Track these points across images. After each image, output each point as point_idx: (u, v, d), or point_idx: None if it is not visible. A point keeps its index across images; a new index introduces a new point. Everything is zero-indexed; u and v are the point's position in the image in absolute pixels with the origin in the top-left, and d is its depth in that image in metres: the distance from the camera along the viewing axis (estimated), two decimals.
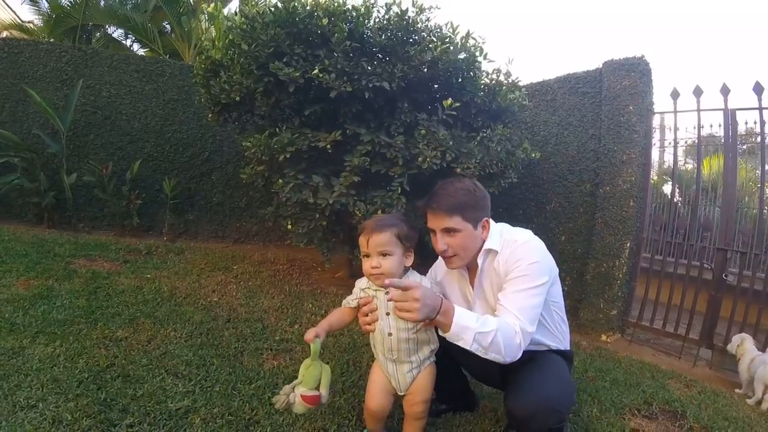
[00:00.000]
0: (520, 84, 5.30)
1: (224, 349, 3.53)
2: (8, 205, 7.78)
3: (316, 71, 4.33)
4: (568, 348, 2.65)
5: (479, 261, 2.43)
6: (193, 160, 8.13)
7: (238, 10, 5.08)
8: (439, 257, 2.72)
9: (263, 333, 3.95)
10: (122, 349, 3.30)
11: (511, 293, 2.25)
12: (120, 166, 7.74)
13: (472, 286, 2.53)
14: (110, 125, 7.98)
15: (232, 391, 2.92)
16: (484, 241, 2.42)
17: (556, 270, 2.44)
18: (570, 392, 2.37)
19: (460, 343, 2.07)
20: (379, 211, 4.39)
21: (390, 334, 2.36)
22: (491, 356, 2.08)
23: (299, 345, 3.73)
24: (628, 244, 5.25)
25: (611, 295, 5.28)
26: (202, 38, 9.49)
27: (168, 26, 12.77)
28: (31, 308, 3.88)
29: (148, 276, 5.26)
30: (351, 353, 3.68)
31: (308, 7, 4.49)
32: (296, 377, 2.17)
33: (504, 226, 2.51)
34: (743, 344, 4.16)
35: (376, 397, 2.44)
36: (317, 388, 2.21)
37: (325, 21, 4.39)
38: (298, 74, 4.35)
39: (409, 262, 2.37)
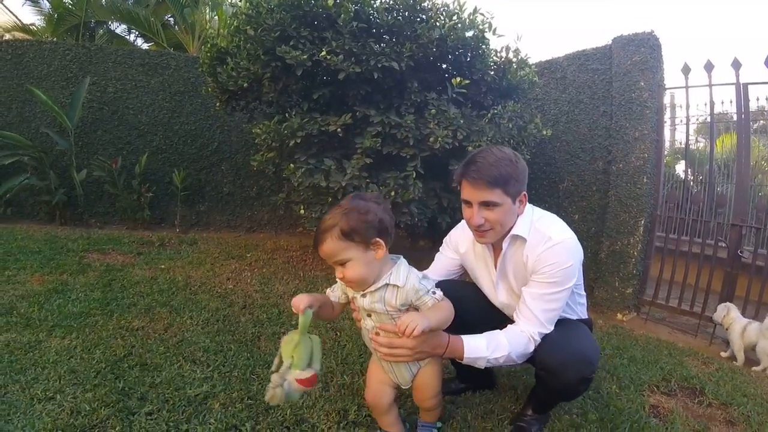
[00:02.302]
0: (530, 61, 5.24)
1: (241, 335, 3.51)
2: (20, 205, 7.81)
3: (323, 53, 4.29)
4: (587, 316, 2.62)
5: (504, 244, 2.33)
6: (202, 151, 8.13)
7: None
8: (459, 225, 2.70)
9: (279, 318, 3.94)
10: (139, 339, 3.30)
11: (537, 296, 2.21)
12: (129, 161, 7.75)
13: (495, 268, 2.47)
14: (118, 120, 7.99)
15: (250, 375, 2.90)
16: (518, 217, 2.29)
17: (582, 255, 2.32)
18: (596, 346, 2.36)
19: (474, 366, 2.16)
20: (392, 193, 4.36)
21: (378, 334, 2.08)
22: (503, 365, 2.23)
23: (315, 328, 3.70)
24: (642, 222, 5.18)
25: (626, 274, 5.23)
26: (207, 28, 9.47)
27: (171, 19, 12.78)
28: (47, 303, 3.89)
29: (162, 267, 5.27)
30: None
31: None
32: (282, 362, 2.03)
33: (535, 211, 2.37)
34: (729, 313, 4.19)
35: (372, 389, 2.34)
36: (310, 365, 1.97)
37: (330, 2, 4.35)
38: (305, 57, 4.32)
39: (380, 254, 1.97)
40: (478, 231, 2.28)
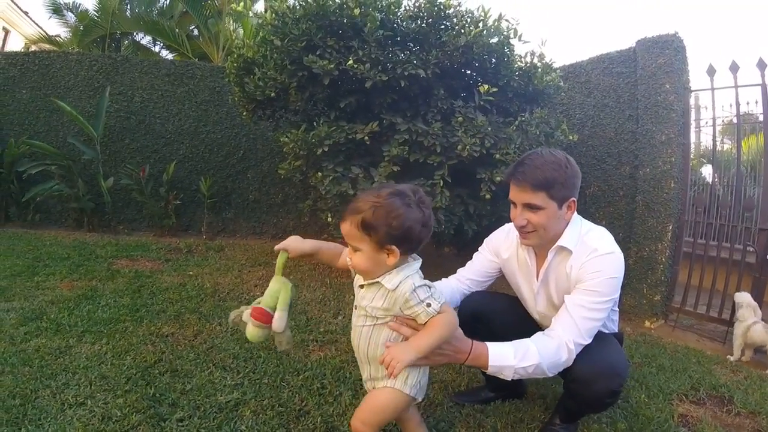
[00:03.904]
0: (554, 66, 5.22)
1: (269, 343, 3.50)
2: (48, 212, 7.99)
3: (350, 62, 4.33)
4: (617, 330, 2.60)
5: (549, 255, 2.33)
6: (228, 159, 8.20)
7: (266, 7, 5.11)
8: (502, 229, 2.69)
9: (307, 325, 3.94)
10: (169, 345, 3.32)
11: (579, 303, 2.17)
12: (157, 169, 7.86)
13: (537, 278, 2.45)
14: (145, 129, 8.13)
15: (280, 382, 2.89)
16: (567, 223, 2.28)
17: (623, 272, 2.28)
18: (626, 360, 2.35)
19: (501, 377, 2.06)
20: None
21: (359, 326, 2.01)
22: (534, 377, 2.12)
23: (344, 336, 3.70)
24: (670, 227, 5.09)
25: (654, 280, 5.14)
26: (233, 38, 9.57)
27: (195, 30, 12.99)
28: (76, 308, 3.92)
29: (191, 273, 5.32)
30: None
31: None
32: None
33: (584, 224, 2.35)
34: (741, 308, 4.12)
35: None
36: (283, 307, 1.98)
37: (357, 11, 4.38)
38: (332, 66, 4.36)
39: (391, 261, 1.83)
40: (521, 232, 2.29)
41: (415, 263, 1.93)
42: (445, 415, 2.64)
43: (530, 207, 2.19)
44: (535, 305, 2.53)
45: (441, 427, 2.52)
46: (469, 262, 2.78)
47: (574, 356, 2.12)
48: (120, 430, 2.29)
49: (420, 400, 2.05)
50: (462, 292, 2.71)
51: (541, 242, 2.30)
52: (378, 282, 1.88)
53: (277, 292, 2.00)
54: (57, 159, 7.60)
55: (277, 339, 2.03)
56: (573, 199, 2.23)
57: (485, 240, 2.75)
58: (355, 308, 2.01)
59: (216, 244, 6.99)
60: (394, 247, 1.81)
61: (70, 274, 4.93)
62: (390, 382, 1.94)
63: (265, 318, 1.97)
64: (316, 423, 2.48)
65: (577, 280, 2.21)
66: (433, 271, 5.55)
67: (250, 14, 10.70)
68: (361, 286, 1.95)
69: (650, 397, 3.01)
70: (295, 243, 2.11)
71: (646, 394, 3.04)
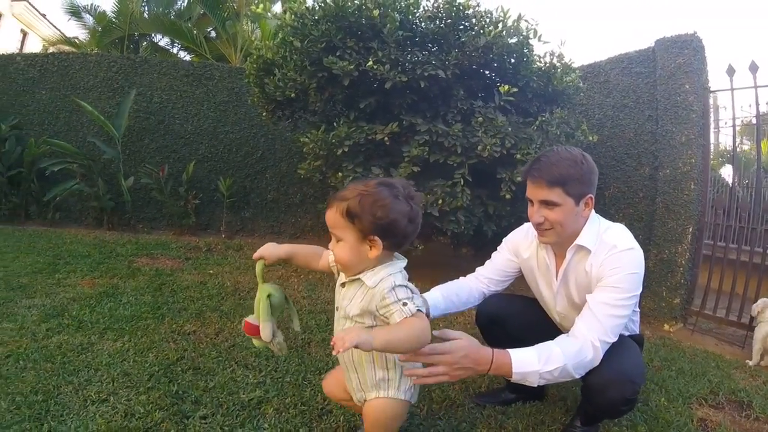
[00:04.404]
0: (573, 66, 5.20)
1: (291, 341, 3.50)
2: (68, 210, 8.11)
3: (370, 63, 4.35)
4: (637, 332, 2.59)
5: (568, 254, 2.33)
6: (246, 159, 8.25)
7: (285, 8, 5.15)
8: (521, 228, 2.69)
9: (328, 324, 3.92)
10: (191, 343, 3.34)
11: (602, 300, 2.15)
12: (176, 168, 7.93)
13: (557, 278, 2.44)
14: (164, 129, 8.23)
15: (302, 381, 2.89)
16: (585, 221, 2.28)
17: (644, 269, 2.28)
18: (642, 366, 2.32)
19: (525, 384, 2.02)
20: (440, 201, 4.36)
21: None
22: (560, 381, 2.08)
23: None
24: (690, 229, 5.03)
25: (674, 283, 5.07)
26: (253, 39, 9.63)
27: (212, 32, 13.13)
28: (98, 306, 3.96)
29: (211, 272, 5.36)
30: None
31: (357, 0, 4.50)
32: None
33: (602, 222, 2.34)
34: (764, 311, 4.03)
35: (327, 381, 2.31)
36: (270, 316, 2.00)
37: (376, 12, 4.40)
38: (352, 67, 4.38)
39: (373, 253, 1.77)
40: (539, 229, 2.29)
41: (399, 262, 1.88)
42: (467, 415, 2.63)
43: (547, 204, 2.19)
44: (555, 305, 2.53)
45: (463, 428, 2.52)
46: (488, 261, 2.78)
47: (601, 355, 2.09)
48: (143, 427, 2.30)
49: (415, 402, 2.02)
50: (481, 291, 2.72)
51: (558, 240, 2.30)
52: (359, 279, 1.82)
53: (259, 302, 2.01)
54: (77, 158, 7.70)
55: (271, 347, 2.04)
56: (590, 195, 2.23)
57: (504, 239, 2.76)
58: (337, 309, 1.97)
59: (235, 243, 7.03)
60: (377, 238, 1.75)
61: (91, 272, 4.98)
62: (382, 393, 1.91)
63: (254, 330, 1.99)
64: (338, 422, 2.48)
65: (597, 278, 2.21)
66: (451, 271, 5.53)
67: (269, 15, 10.77)
68: (343, 285, 1.91)
69: (670, 401, 2.99)
70: (270, 249, 2.11)
71: (666, 398, 3.02)
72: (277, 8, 12.84)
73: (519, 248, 2.63)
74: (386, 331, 1.70)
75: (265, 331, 1.96)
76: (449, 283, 2.69)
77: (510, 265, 2.68)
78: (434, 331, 1.94)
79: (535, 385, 2.02)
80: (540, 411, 2.75)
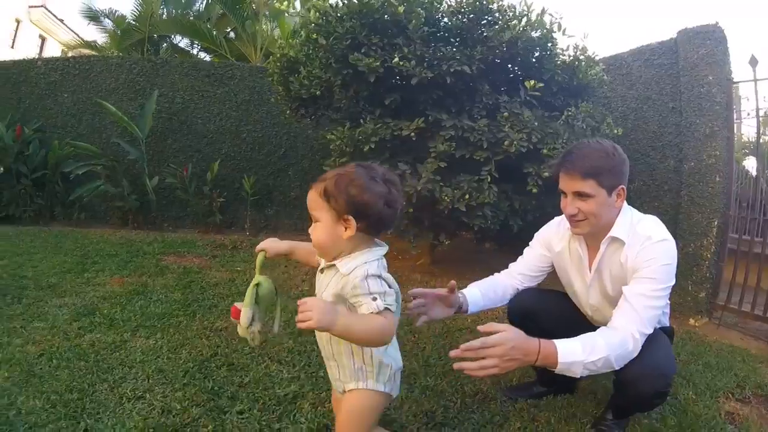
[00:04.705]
0: (597, 59, 5.18)
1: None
2: (93, 210, 8.26)
3: (396, 59, 4.35)
4: (668, 324, 2.61)
5: (602, 246, 2.35)
6: (269, 157, 8.33)
7: (309, 6, 5.17)
8: (552, 222, 2.72)
9: None
10: (223, 339, 3.36)
11: (638, 292, 2.17)
12: (200, 167, 8.03)
13: (590, 270, 2.46)
14: (187, 129, 8.33)
15: None
16: (618, 212, 2.31)
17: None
18: (673, 359, 2.35)
19: (568, 375, 2.03)
20: (467, 196, 4.36)
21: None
22: (601, 372, 2.09)
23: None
24: (716, 222, 4.98)
25: (699, 277, 5.02)
26: (275, 38, 9.68)
27: (231, 32, 13.23)
28: (128, 304, 4.01)
29: (239, 269, 5.40)
30: (445, 338, 3.67)
31: None
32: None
33: (634, 214, 2.37)
34: None
35: None
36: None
37: (401, 9, 4.41)
38: (377, 64, 4.39)
39: (347, 234, 1.75)
40: (572, 221, 2.31)
41: (378, 249, 1.82)
42: (499, 409, 2.64)
43: (580, 195, 2.22)
44: (588, 298, 2.54)
45: (496, 421, 2.53)
46: (520, 257, 2.80)
47: (640, 346, 2.11)
48: (181, 423, 2.33)
49: (395, 396, 1.98)
50: (514, 287, 2.74)
51: (592, 230, 2.31)
52: (334, 265, 1.80)
53: (250, 288, 1.99)
54: (101, 159, 7.83)
55: (245, 334, 1.99)
56: (622, 186, 2.26)
57: (535, 235, 2.78)
58: (316, 296, 1.91)
59: (260, 241, 6.94)
60: (351, 218, 1.72)
61: (120, 271, 5.06)
62: (361, 384, 1.86)
63: (236, 315, 1.98)
64: None
65: (633, 270, 2.22)
66: (475, 266, 5.53)
67: (290, 11, 10.82)
68: (321, 271, 1.90)
69: (697, 394, 2.99)
70: (271, 243, 2.13)
71: (694, 391, 3.02)
72: (297, 6, 12.86)
73: (551, 242, 2.65)
74: (350, 319, 1.66)
75: (244, 316, 1.94)
76: (486, 279, 2.73)
77: (543, 260, 2.70)
78: (480, 327, 1.97)
79: (578, 376, 2.03)
80: (571, 404, 2.75)
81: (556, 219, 2.67)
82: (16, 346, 3.09)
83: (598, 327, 2.25)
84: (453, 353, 1.89)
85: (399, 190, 1.82)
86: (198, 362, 2.96)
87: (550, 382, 2.85)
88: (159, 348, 3.16)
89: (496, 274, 2.77)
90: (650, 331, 2.16)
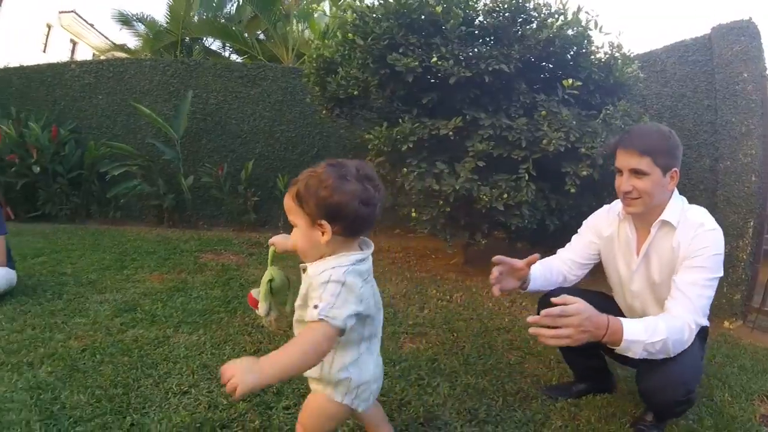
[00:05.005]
0: (632, 56, 5.14)
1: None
2: (128, 209, 8.45)
3: (434, 59, 4.37)
4: (707, 324, 2.56)
5: (652, 229, 2.38)
6: (302, 157, 8.38)
7: (346, 7, 5.21)
8: (602, 210, 2.75)
9: (396, 318, 3.98)
10: (266, 335, 3.38)
11: (692, 282, 2.20)
12: (234, 167, 8.13)
13: (637, 254, 2.48)
14: (221, 130, 8.45)
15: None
16: (670, 195, 2.34)
17: None
18: (697, 367, 2.35)
19: (628, 354, 2.08)
20: (505, 195, 4.37)
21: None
22: (658, 357, 2.11)
23: (432, 329, 3.76)
24: (752, 223, 4.88)
25: (735, 279, 4.90)
26: (307, 39, 9.75)
27: (261, 34, 13.41)
28: (169, 300, 4.06)
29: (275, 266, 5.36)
30: (483, 337, 3.67)
31: None
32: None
33: (685, 201, 2.40)
34: None
35: None
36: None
37: (439, 9, 4.43)
38: (416, 64, 4.41)
39: (325, 239, 1.67)
40: (626, 199, 2.35)
41: (354, 255, 1.72)
42: (541, 408, 2.65)
43: (636, 173, 2.26)
44: (630, 283, 2.56)
45: (538, 419, 2.54)
46: (567, 244, 2.84)
47: (693, 336, 2.17)
48: (228, 418, 2.35)
49: (361, 410, 1.87)
50: (563, 273, 2.76)
51: (645, 209, 2.34)
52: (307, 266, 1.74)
53: (263, 282, 2.05)
54: (137, 159, 7.99)
55: (263, 322, 2.07)
56: (675, 169, 2.30)
57: (584, 222, 2.82)
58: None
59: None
60: (325, 222, 1.64)
61: (159, 268, 5.13)
62: (320, 388, 1.83)
63: (255, 303, 2.04)
64: (418, 412, 2.53)
65: (685, 256, 2.25)
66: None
67: (322, 11, 10.88)
68: (304, 270, 1.78)
69: (733, 397, 2.97)
70: (281, 239, 2.10)
71: (729, 393, 3.00)
72: (326, 7, 12.96)
73: (600, 227, 2.70)
74: (278, 359, 1.51)
75: (261, 308, 2.01)
76: (546, 259, 2.75)
77: (591, 247, 2.74)
78: (554, 298, 2.02)
79: (637, 357, 2.08)
80: (610, 403, 2.75)
81: (605, 206, 2.72)
82: (59, 341, 3.15)
83: None
84: (531, 319, 1.99)
85: (376, 185, 1.72)
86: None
87: (587, 376, 2.88)
88: (202, 344, 3.20)
89: (549, 257, 2.78)
90: (704, 321, 2.21)
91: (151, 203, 8.20)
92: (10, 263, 4.09)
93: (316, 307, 1.56)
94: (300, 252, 1.76)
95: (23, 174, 7.97)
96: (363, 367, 1.80)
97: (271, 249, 2.11)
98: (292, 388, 2.65)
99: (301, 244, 1.73)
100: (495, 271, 2.43)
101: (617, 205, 2.56)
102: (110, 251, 5.78)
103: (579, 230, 2.82)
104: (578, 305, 1.98)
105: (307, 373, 1.79)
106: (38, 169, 7.84)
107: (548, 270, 2.69)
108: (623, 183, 2.30)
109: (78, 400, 2.43)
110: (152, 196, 8.06)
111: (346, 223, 1.65)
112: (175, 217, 8.11)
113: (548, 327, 1.98)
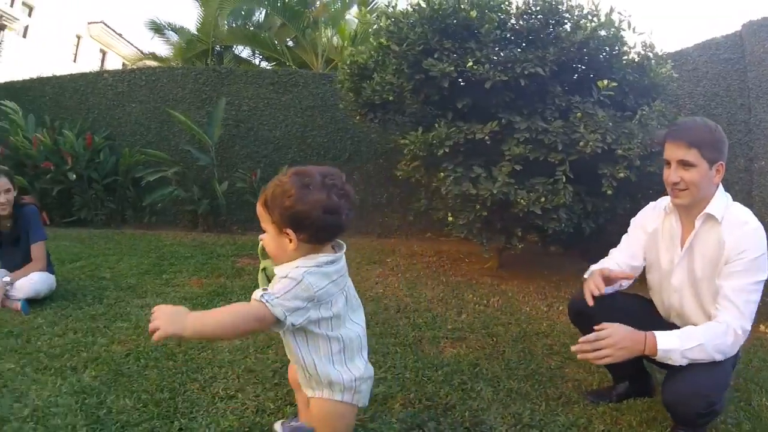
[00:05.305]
0: (664, 56, 5.13)
1: (402, 338, 3.58)
2: (163, 214, 8.65)
3: (470, 64, 4.40)
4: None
5: (696, 223, 2.40)
6: (334, 161, 8.41)
7: (378, 13, 5.26)
8: (648, 206, 2.78)
9: (435, 322, 3.99)
10: None
11: (738, 290, 2.23)
12: (267, 173, 8.14)
13: (681, 248, 2.50)
14: (253, 136, 8.59)
15: (422, 377, 2.95)
16: (716, 189, 2.37)
17: None
18: (722, 377, 2.32)
19: (669, 363, 2.18)
20: (542, 199, 4.37)
21: None
22: (703, 361, 2.16)
23: (472, 333, 3.77)
24: None
25: None
26: (335, 45, 9.83)
27: (289, 41, 13.57)
28: (210, 304, 4.04)
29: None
30: (523, 342, 3.67)
31: (452, 1, 4.57)
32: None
33: (729, 197, 2.43)
34: None
35: (291, 367, 2.14)
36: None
37: (473, 14, 4.46)
38: (451, 69, 4.44)
39: (291, 247, 1.71)
40: (674, 190, 2.38)
41: (321, 257, 1.75)
42: (583, 412, 2.65)
43: (684, 164, 2.30)
44: (671, 277, 2.56)
45: (580, 423, 2.54)
46: (619, 245, 2.85)
47: (741, 342, 2.22)
48: (275, 422, 2.35)
49: (362, 405, 1.94)
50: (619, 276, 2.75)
51: (692, 201, 2.37)
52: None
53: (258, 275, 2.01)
54: (172, 166, 8.15)
55: None
56: (721, 163, 2.33)
57: (632, 221, 2.84)
58: None
59: None
60: (290, 230, 1.68)
61: (197, 272, 5.19)
62: (318, 393, 1.86)
63: None
64: (464, 416, 2.53)
65: (728, 257, 2.27)
66: (543, 270, 5.51)
67: (358, 17, 10.97)
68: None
69: None
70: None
71: (767, 398, 2.96)
72: (353, 13, 13.08)
73: (646, 222, 2.73)
74: (203, 318, 1.64)
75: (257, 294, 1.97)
76: (605, 263, 2.74)
77: (639, 244, 2.75)
78: (595, 326, 2.21)
79: (677, 364, 2.16)
80: (651, 407, 2.73)
81: (651, 203, 2.76)
82: (101, 346, 3.18)
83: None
84: (574, 348, 2.24)
85: (342, 193, 1.74)
86: (285, 362, 2.91)
87: (626, 376, 2.85)
88: (246, 348, 3.21)
89: (605, 260, 2.79)
90: (749, 326, 2.22)
91: (185, 208, 8.35)
92: (49, 268, 4.21)
93: (264, 290, 1.64)
94: (272, 256, 1.82)
95: (59, 180, 8.19)
96: (349, 365, 1.84)
97: (260, 245, 1.98)
98: None
99: (272, 249, 1.79)
100: (596, 283, 2.47)
101: (664, 200, 2.61)
102: (147, 256, 5.87)
103: (628, 230, 2.84)
104: (610, 329, 2.18)
105: (304, 379, 1.88)
106: (74, 176, 8.05)
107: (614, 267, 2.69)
108: (671, 174, 2.35)
109: (124, 405, 2.45)
110: (187, 202, 8.19)
111: (311, 232, 1.69)
112: (209, 222, 8.23)
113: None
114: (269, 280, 1.90)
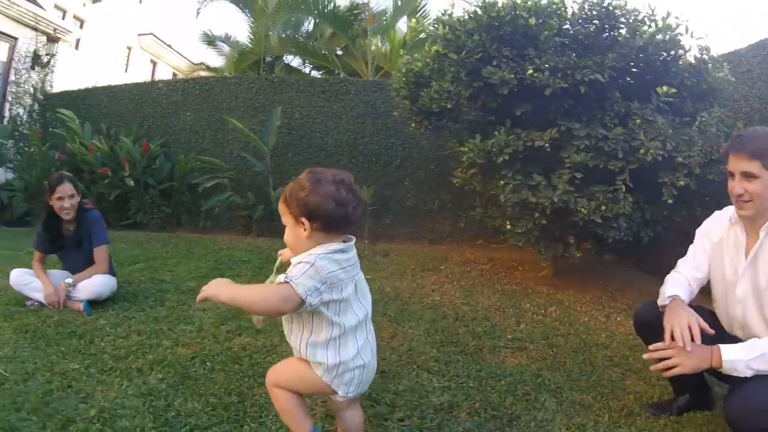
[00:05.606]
0: (717, 57, 4.99)
1: (463, 347, 3.60)
2: (217, 219, 8.85)
3: (530, 71, 4.40)
4: None
5: (761, 233, 2.40)
6: (386, 168, 8.49)
7: (437, 22, 5.28)
8: (713, 215, 2.79)
9: (494, 331, 4.00)
10: None
11: None
12: None
13: (746, 258, 2.49)
14: (306, 143, 8.76)
15: (486, 386, 2.98)
16: None
17: None
18: None
19: (735, 374, 2.18)
20: (602, 207, 4.34)
21: None
22: (765, 373, 2.15)
23: (532, 343, 3.77)
24: None
25: None
26: (384, 53, 9.91)
27: (338, 50, 13.87)
28: None
29: (368, 277, 5.36)
30: (583, 353, 3.66)
31: (509, 9, 4.57)
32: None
33: None
34: None
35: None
36: None
37: (532, 21, 4.46)
38: (511, 76, 4.45)
39: (305, 234, 1.93)
40: (738, 202, 2.40)
41: (331, 245, 1.95)
42: (644, 425, 2.65)
43: (747, 175, 2.31)
44: (735, 287, 2.55)
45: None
46: (686, 255, 2.85)
47: None
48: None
49: (342, 394, 2.02)
50: (687, 285, 2.75)
51: (756, 212, 2.38)
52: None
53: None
54: (227, 172, 8.42)
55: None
56: None
57: (697, 231, 2.85)
58: None
59: (380, 249, 7.23)
60: (305, 220, 1.91)
61: (255, 276, 5.29)
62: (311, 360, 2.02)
63: None
64: (529, 427, 2.56)
65: None
66: (598, 279, 5.45)
67: (414, 27, 11.08)
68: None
69: None
70: (288, 252, 2.20)
71: None
72: (403, 22, 13.19)
73: (711, 232, 2.74)
74: (239, 289, 1.93)
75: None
76: (676, 279, 2.75)
77: (705, 254, 2.76)
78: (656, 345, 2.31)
79: (743, 375, 2.16)
80: (710, 421, 2.72)
81: (717, 212, 2.77)
82: (166, 348, 3.27)
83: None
84: (646, 356, 2.36)
85: (350, 189, 1.97)
86: None
87: (686, 388, 2.82)
88: None
89: (674, 275, 2.79)
90: None
91: (239, 213, 8.57)
92: (111, 270, 4.40)
93: (286, 277, 1.83)
94: (289, 247, 2.08)
95: (116, 185, 8.60)
96: (341, 351, 1.99)
97: (279, 260, 2.31)
98: (403, 401, 2.72)
99: (289, 240, 2.01)
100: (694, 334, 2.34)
101: (729, 210, 2.61)
102: (205, 259, 6.01)
103: (694, 241, 2.84)
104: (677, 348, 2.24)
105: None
106: (132, 182, 8.43)
107: (687, 290, 2.67)
108: (735, 186, 2.37)
109: (192, 408, 2.51)
110: (242, 207, 8.42)
111: (324, 220, 1.91)
112: (263, 227, 8.37)
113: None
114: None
